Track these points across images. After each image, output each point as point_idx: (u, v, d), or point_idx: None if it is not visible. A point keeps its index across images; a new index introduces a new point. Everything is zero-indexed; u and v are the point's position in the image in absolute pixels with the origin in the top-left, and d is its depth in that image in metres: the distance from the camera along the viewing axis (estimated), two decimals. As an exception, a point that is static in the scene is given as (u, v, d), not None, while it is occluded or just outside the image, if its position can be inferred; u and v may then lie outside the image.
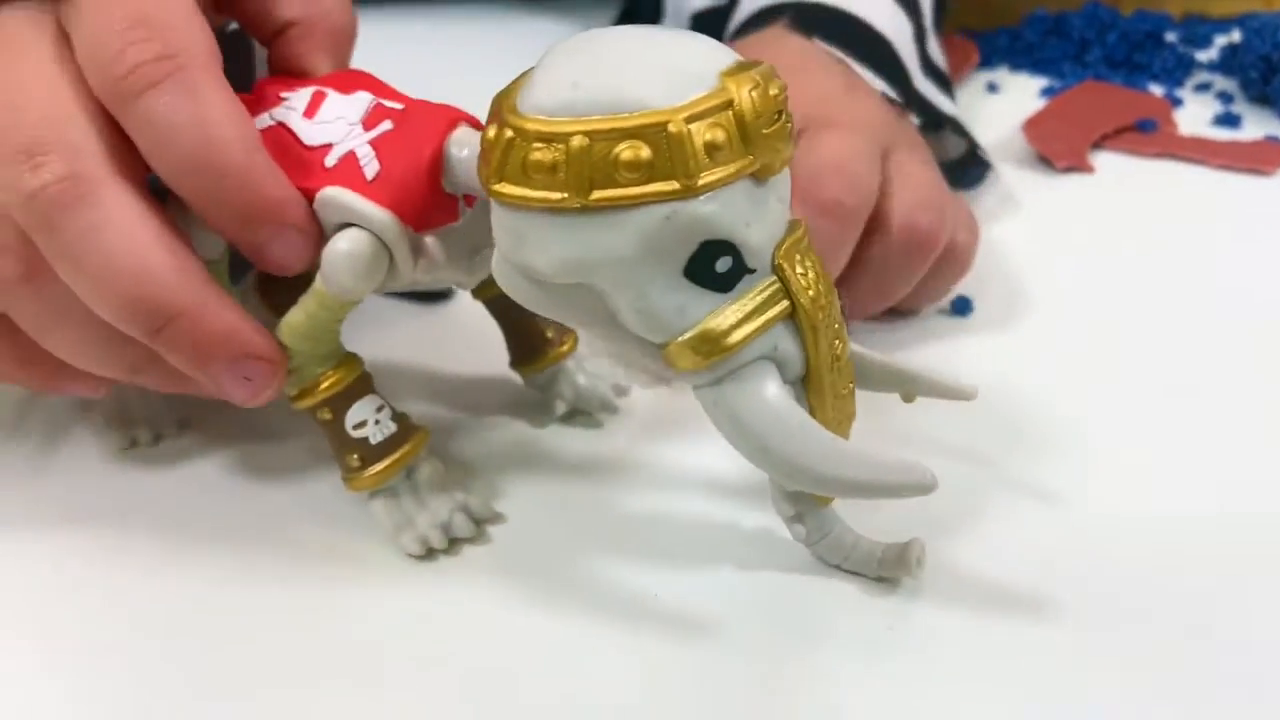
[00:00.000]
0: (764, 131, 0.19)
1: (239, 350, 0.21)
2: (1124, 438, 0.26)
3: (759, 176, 0.19)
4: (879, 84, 0.36)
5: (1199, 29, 0.56)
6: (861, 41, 0.38)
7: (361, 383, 0.23)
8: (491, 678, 0.21)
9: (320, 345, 0.22)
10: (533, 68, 0.20)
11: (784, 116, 0.20)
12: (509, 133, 0.19)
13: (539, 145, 0.18)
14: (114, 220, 0.20)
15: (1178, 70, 0.52)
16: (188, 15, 0.21)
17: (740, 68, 0.19)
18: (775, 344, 0.20)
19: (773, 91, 0.19)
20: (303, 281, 0.22)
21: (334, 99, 0.23)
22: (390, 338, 0.30)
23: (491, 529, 0.24)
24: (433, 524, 0.23)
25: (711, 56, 0.19)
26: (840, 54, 0.36)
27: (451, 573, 0.23)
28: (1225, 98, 0.50)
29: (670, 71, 0.19)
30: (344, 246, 0.21)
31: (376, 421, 0.23)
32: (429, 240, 0.22)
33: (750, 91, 0.19)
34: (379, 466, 0.23)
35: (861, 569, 0.22)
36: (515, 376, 0.27)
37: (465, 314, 0.29)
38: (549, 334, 0.27)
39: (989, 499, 0.24)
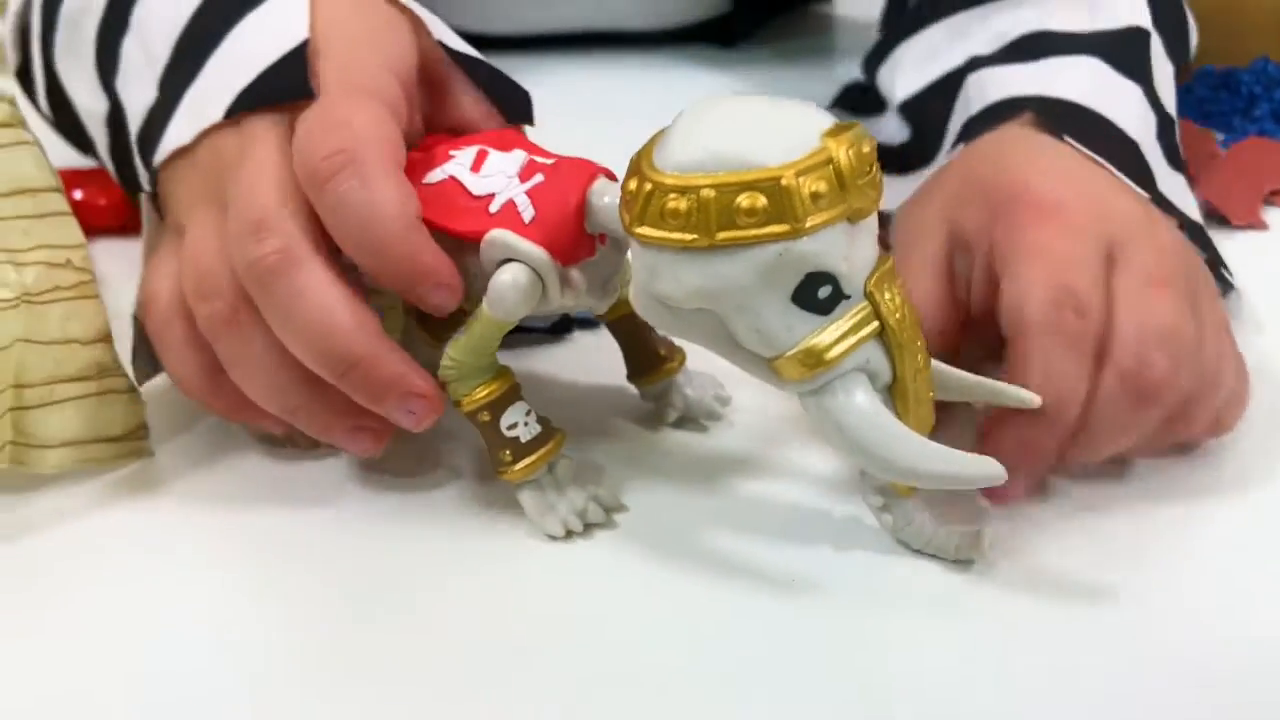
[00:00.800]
0: (858, 182, 0.23)
1: (405, 390, 0.26)
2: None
3: (853, 219, 0.23)
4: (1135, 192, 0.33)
5: None
6: (1115, 147, 0.34)
7: (514, 391, 0.27)
8: (619, 636, 0.25)
9: (482, 359, 0.27)
10: (666, 128, 0.24)
11: (874, 169, 0.24)
12: (649, 185, 0.23)
13: (674, 195, 0.23)
14: (311, 287, 0.26)
15: None
16: (370, 115, 0.27)
17: (839, 129, 0.23)
18: (867, 358, 0.24)
19: (865, 149, 0.23)
20: (453, 315, 0.27)
21: (495, 156, 0.27)
22: (533, 362, 0.35)
23: (618, 517, 0.28)
24: (571, 510, 0.28)
25: (814, 120, 0.23)
26: (1096, 158, 0.33)
27: (584, 552, 0.27)
28: None
29: (781, 134, 0.23)
30: (508, 278, 0.25)
31: (525, 424, 0.27)
32: (574, 272, 0.26)
33: (847, 150, 0.23)
34: (527, 460, 0.27)
35: (941, 553, 0.26)
36: (633, 389, 0.32)
37: (589, 344, 0.35)
38: (662, 352, 0.31)
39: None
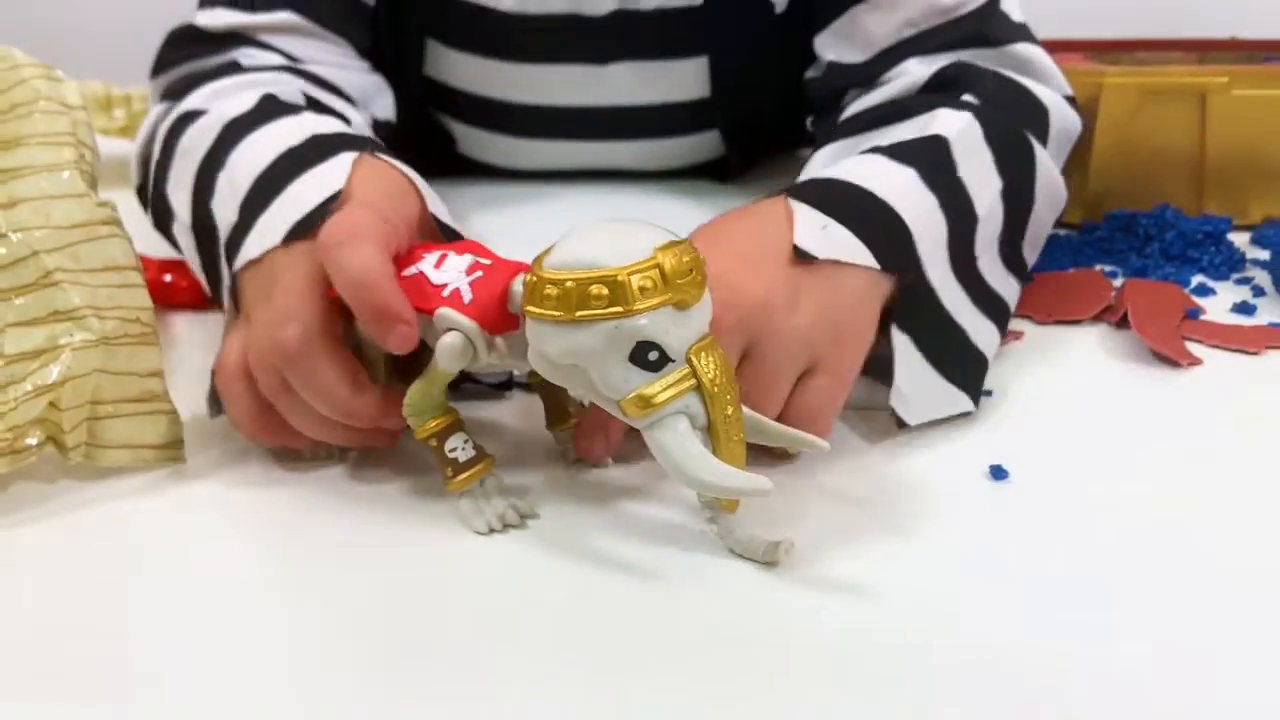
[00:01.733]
0: (679, 281, 0.33)
1: (389, 427, 0.39)
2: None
3: (679, 306, 0.34)
4: (847, 237, 0.43)
5: (1266, 230, 0.67)
6: (870, 209, 0.44)
7: (456, 424, 0.38)
8: (521, 606, 0.34)
9: (433, 400, 0.38)
10: (555, 242, 0.35)
11: (695, 273, 0.34)
12: (534, 278, 0.34)
13: (550, 285, 0.33)
14: (322, 365, 0.38)
15: (1224, 265, 0.62)
16: (369, 216, 0.39)
17: (670, 245, 0.34)
18: (687, 404, 0.34)
19: (686, 259, 0.34)
20: (419, 365, 0.38)
21: (451, 258, 0.38)
22: (482, 410, 0.46)
23: (530, 522, 0.38)
24: (494, 514, 0.38)
25: (652, 237, 0.34)
26: (819, 214, 0.43)
27: (503, 544, 0.37)
28: (1258, 290, 0.59)
29: (624, 246, 0.33)
30: (449, 340, 0.36)
31: (464, 449, 0.38)
32: (498, 339, 0.37)
33: (672, 259, 0.33)
34: (464, 475, 0.37)
35: (752, 555, 0.35)
36: (548, 434, 0.42)
37: (522, 400, 0.46)
38: (570, 409, 0.41)
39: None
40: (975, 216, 0.49)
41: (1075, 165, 0.63)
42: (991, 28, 0.62)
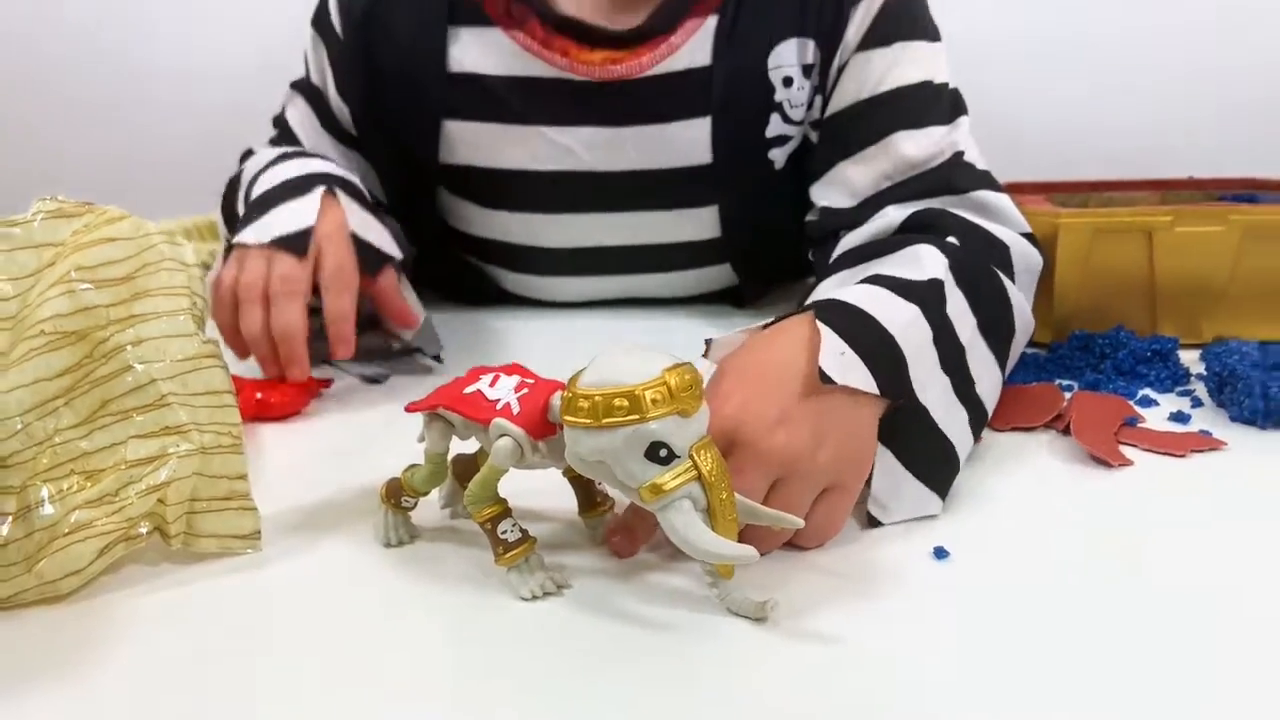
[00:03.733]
0: (683, 395, 0.43)
1: (298, 363, 0.68)
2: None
3: (683, 414, 0.43)
4: (856, 363, 0.51)
5: (1213, 348, 0.72)
6: (871, 336, 0.52)
7: (506, 511, 0.47)
8: (560, 660, 0.43)
9: (489, 492, 0.47)
10: (587, 364, 0.45)
11: (695, 388, 0.44)
12: (570, 394, 0.44)
13: (582, 399, 0.43)
14: (292, 307, 0.70)
15: (1169, 380, 0.71)
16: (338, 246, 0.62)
17: (674, 366, 0.43)
18: (690, 491, 0.43)
19: (688, 378, 0.43)
20: (474, 469, 0.47)
21: (502, 379, 0.48)
22: (527, 502, 0.55)
23: (566, 591, 0.47)
24: (537, 585, 0.46)
25: (661, 361, 0.43)
26: (839, 340, 0.51)
27: (544, 609, 0.46)
28: (1196, 402, 0.67)
29: (639, 369, 0.43)
30: (502, 444, 0.46)
31: (512, 531, 0.47)
32: (540, 444, 0.47)
33: (676, 378, 0.43)
34: (513, 553, 0.46)
35: (745, 613, 0.44)
36: (580, 520, 0.51)
37: (558, 497, 0.54)
38: (599, 499, 0.50)
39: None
40: (961, 345, 0.57)
41: (1042, 292, 0.73)
42: (957, 178, 0.73)
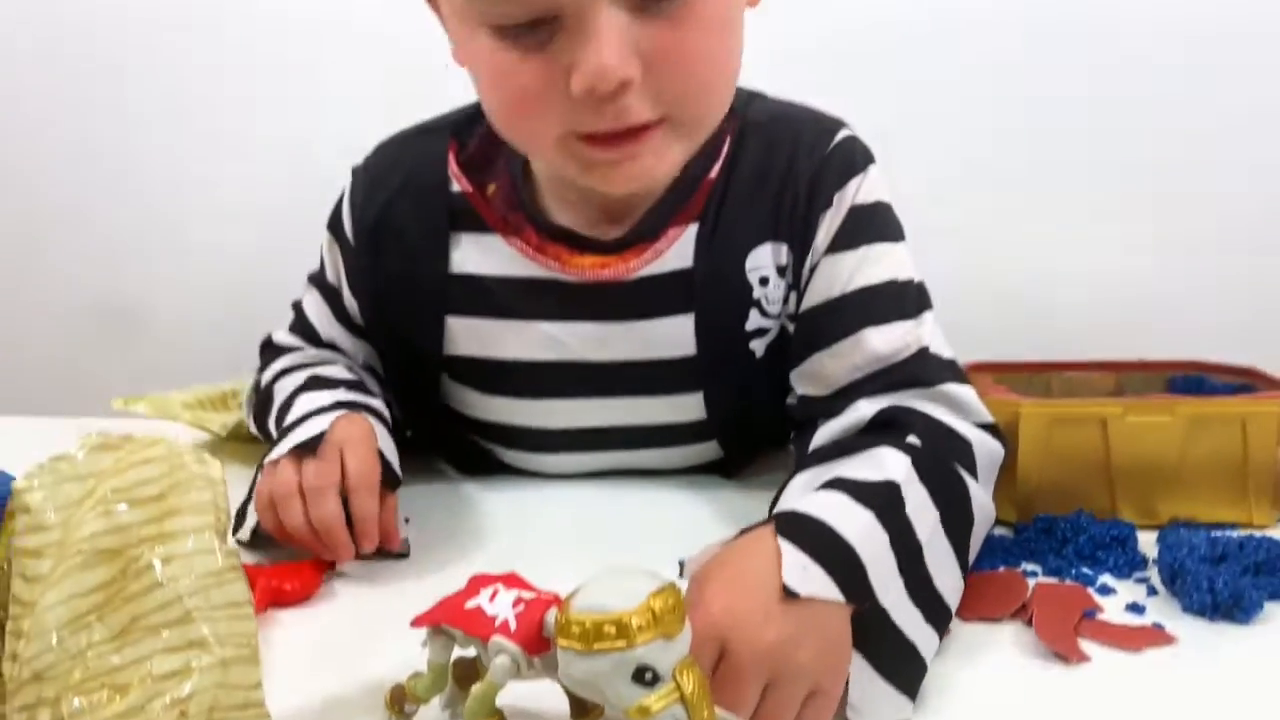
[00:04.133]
0: (667, 618, 0.47)
1: (345, 551, 0.77)
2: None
3: (667, 637, 0.47)
4: (817, 571, 0.55)
5: (1167, 533, 0.76)
6: (829, 546, 0.56)
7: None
8: None
9: (487, 705, 0.51)
10: (579, 587, 0.49)
11: (677, 610, 0.48)
12: (563, 618, 0.48)
13: (575, 624, 0.47)
14: (328, 504, 0.78)
15: (1126, 566, 0.74)
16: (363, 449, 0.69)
17: (660, 590, 0.48)
18: (674, 712, 0.47)
19: (671, 602, 0.48)
20: (474, 672, 0.51)
21: (501, 594, 0.53)
22: (528, 703, 0.58)
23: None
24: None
25: (648, 585, 0.48)
26: (801, 554, 0.55)
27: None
28: (1151, 590, 0.70)
29: (627, 595, 0.47)
30: (500, 661, 0.50)
31: (505, 734, 0.51)
32: (536, 659, 0.51)
33: (661, 603, 0.47)
34: (503, 750, 0.50)
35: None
36: (574, 723, 0.55)
37: (552, 703, 0.58)
38: (590, 705, 0.54)
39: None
40: (919, 544, 0.61)
41: (1006, 474, 0.78)
42: (924, 370, 0.79)
